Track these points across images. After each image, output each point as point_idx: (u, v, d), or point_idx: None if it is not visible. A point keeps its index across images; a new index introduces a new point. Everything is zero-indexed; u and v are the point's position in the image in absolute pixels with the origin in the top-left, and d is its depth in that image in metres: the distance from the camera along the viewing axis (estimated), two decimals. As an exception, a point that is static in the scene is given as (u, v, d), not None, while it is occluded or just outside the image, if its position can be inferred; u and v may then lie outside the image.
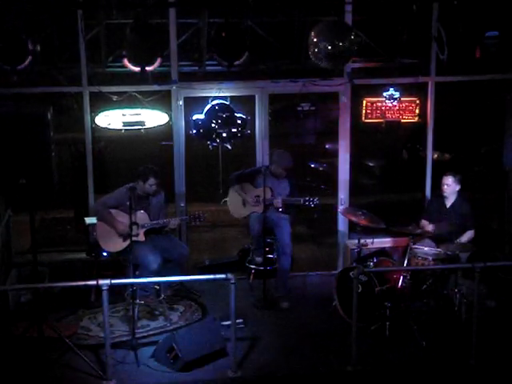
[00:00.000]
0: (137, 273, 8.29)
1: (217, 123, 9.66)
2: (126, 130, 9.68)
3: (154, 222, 8.52)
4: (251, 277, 9.48)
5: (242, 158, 10.50)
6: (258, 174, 9.28)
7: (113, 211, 8.46)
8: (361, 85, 10.00)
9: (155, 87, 9.59)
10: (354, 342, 7.37)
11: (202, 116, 9.68)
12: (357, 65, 9.91)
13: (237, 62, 8.97)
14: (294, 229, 9.82)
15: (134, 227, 8.20)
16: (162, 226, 8.59)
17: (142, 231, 8.42)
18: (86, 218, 9.33)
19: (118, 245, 8.44)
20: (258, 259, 9.36)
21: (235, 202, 9.43)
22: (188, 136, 9.80)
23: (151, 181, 8.45)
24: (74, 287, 8.38)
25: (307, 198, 8.81)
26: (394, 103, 10.05)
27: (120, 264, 8.65)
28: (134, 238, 8.13)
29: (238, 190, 9.36)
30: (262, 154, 9.82)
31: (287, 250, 9.09)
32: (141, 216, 8.41)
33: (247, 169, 9.47)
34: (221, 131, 9.69)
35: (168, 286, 8.96)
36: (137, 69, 8.80)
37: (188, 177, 9.89)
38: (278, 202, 8.91)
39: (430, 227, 8.89)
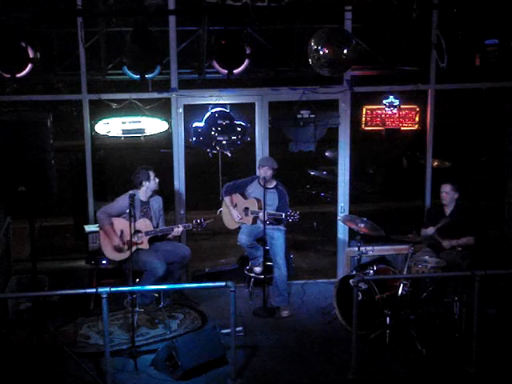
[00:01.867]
0: (137, 280, 8.29)
1: (216, 131, 9.68)
2: (125, 137, 9.68)
3: (158, 229, 8.53)
4: (251, 285, 9.48)
5: (242, 166, 10.50)
6: (248, 184, 9.29)
7: (116, 219, 8.45)
8: (360, 92, 10.01)
9: (155, 95, 9.60)
10: (354, 349, 7.35)
11: (201, 123, 9.69)
12: (356, 72, 9.92)
13: (237, 70, 8.99)
14: (293, 237, 9.83)
15: (139, 234, 8.24)
16: (165, 234, 8.60)
17: (146, 238, 8.42)
18: (85, 226, 9.34)
19: (122, 253, 8.42)
20: (257, 269, 9.34)
21: (226, 214, 9.43)
22: (188, 143, 9.80)
23: (152, 175, 8.53)
24: (73, 295, 8.37)
25: (288, 213, 8.78)
26: (394, 111, 10.05)
27: (119, 272, 8.64)
28: (137, 246, 8.19)
29: (228, 201, 9.36)
30: (261, 161, 9.81)
31: (279, 261, 9.05)
32: (144, 223, 8.41)
33: (238, 179, 9.47)
34: (221, 139, 9.71)
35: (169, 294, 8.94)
36: (136, 76, 8.81)
37: (188, 184, 9.89)
38: (262, 215, 8.88)
39: (431, 229, 8.87)
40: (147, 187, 8.53)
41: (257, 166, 9.37)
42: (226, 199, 9.35)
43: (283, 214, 8.75)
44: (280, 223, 9.07)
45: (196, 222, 8.60)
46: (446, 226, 8.86)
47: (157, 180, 8.58)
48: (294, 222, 8.77)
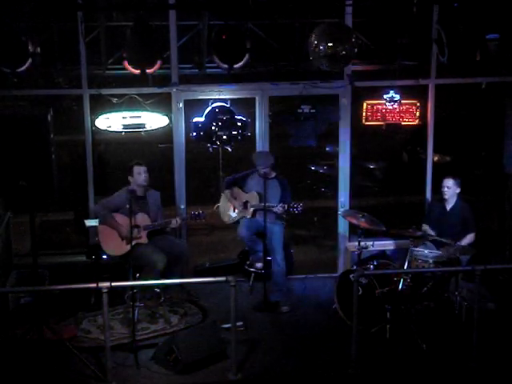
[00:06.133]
0: (137, 275, 8.29)
1: (217, 125, 9.68)
2: (126, 132, 9.68)
3: (156, 223, 8.53)
4: (251, 279, 9.48)
5: (242, 161, 10.48)
6: (248, 176, 9.29)
7: (114, 214, 8.46)
8: (361, 87, 10.00)
9: (155, 89, 9.59)
10: (355, 344, 7.36)
11: (202, 118, 9.69)
12: (357, 67, 9.91)
13: (237, 65, 8.98)
14: (294, 231, 9.81)
15: (137, 229, 8.24)
16: (163, 227, 8.60)
17: (144, 233, 8.43)
18: (85, 221, 9.34)
19: (122, 248, 8.42)
20: (258, 265, 9.34)
21: (225, 207, 9.44)
22: (188, 138, 9.80)
23: (136, 169, 8.51)
24: (73, 290, 8.37)
25: (291, 204, 8.72)
26: (395, 106, 10.03)
27: (120, 266, 8.64)
28: (136, 240, 8.18)
29: (228, 195, 9.37)
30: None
31: (277, 257, 9.04)
32: (142, 218, 8.42)
33: (239, 173, 9.47)
34: (221, 133, 9.71)
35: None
36: (137, 71, 8.81)
37: (188, 179, 9.89)
38: (279, 208, 8.83)
39: (431, 231, 8.89)
40: (133, 182, 8.53)
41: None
42: (227, 192, 9.36)
43: (285, 206, 8.72)
44: (282, 218, 9.04)
45: (193, 213, 8.62)
46: (445, 220, 8.88)
47: (143, 176, 8.52)
48: (298, 213, 8.74)
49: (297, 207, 8.68)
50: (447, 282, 8.43)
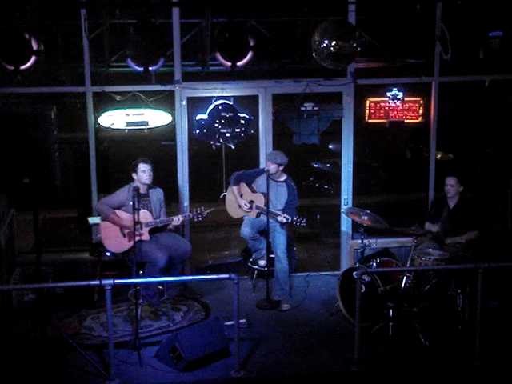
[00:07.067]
0: (140, 272, 8.30)
1: (220, 123, 9.68)
2: (129, 129, 9.69)
3: (158, 220, 8.54)
4: (254, 277, 9.49)
5: (246, 158, 10.50)
6: (257, 176, 9.27)
7: (116, 211, 8.47)
8: (364, 85, 9.99)
9: (158, 87, 9.59)
10: (357, 342, 7.36)
11: (205, 116, 9.69)
12: (360, 65, 9.90)
13: (240, 63, 8.99)
14: (296, 229, 9.81)
15: (138, 226, 8.24)
16: (165, 224, 8.61)
17: (146, 230, 8.43)
18: (89, 218, 9.36)
19: (124, 245, 8.44)
20: (262, 262, 9.34)
21: (231, 202, 9.43)
22: (191, 136, 9.80)
23: (141, 167, 8.48)
24: (77, 287, 8.38)
25: (296, 218, 8.75)
26: (398, 103, 10.03)
27: (123, 264, 8.66)
28: (138, 238, 8.17)
29: (236, 191, 9.35)
30: (265, 153, 9.79)
31: (280, 254, 9.04)
32: (144, 215, 8.41)
33: (249, 170, 9.47)
34: (224, 131, 9.71)
35: (173, 286, 8.94)
36: (140, 68, 8.82)
37: (191, 176, 9.89)
38: (283, 219, 8.84)
39: (434, 228, 8.89)
40: (137, 179, 8.51)
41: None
42: (234, 188, 9.34)
43: (290, 219, 8.74)
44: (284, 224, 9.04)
45: (196, 211, 8.62)
46: (448, 218, 8.87)
47: (147, 173, 8.48)
48: (302, 226, 8.79)
49: (301, 222, 8.70)
50: (450, 279, 8.42)
